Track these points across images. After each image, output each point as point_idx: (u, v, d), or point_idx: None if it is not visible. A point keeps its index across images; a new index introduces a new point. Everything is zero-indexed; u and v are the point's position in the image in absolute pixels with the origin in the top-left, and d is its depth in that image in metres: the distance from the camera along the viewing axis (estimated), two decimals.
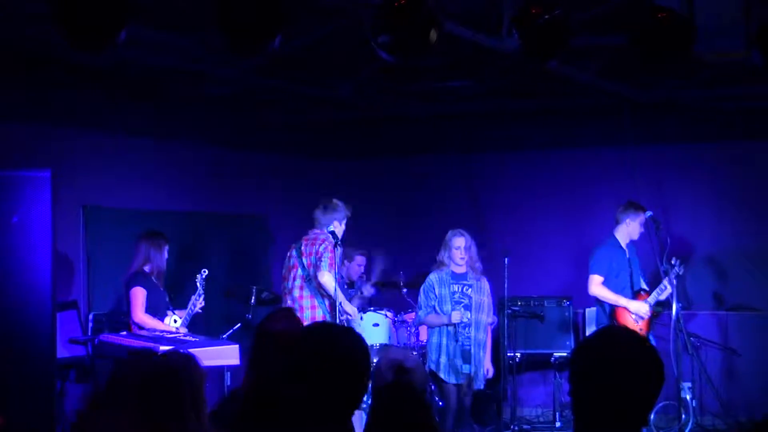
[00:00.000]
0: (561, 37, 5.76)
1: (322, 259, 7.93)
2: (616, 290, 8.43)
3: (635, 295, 8.49)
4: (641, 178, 9.94)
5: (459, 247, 7.97)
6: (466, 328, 7.92)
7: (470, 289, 8.00)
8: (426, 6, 5.36)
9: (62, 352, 7.74)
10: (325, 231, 8.02)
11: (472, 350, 7.92)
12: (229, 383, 7.25)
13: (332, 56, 7.91)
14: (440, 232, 8.32)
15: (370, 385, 3.29)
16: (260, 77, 8.32)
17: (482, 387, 8.13)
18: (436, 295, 7.96)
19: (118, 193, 9.03)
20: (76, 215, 8.66)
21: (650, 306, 8.43)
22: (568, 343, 9.35)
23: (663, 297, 8.46)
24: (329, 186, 11.03)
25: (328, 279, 7.86)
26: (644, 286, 8.60)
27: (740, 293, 9.71)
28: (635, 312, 8.35)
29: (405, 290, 9.34)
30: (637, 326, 8.26)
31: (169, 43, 7.04)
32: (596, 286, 8.42)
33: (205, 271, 7.93)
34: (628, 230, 8.52)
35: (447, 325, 7.90)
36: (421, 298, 8.08)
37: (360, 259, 9.44)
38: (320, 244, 8.01)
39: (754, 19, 6.14)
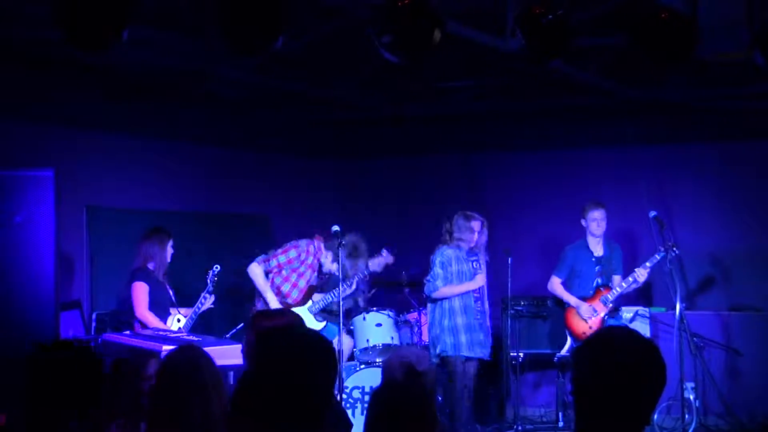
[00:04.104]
0: (564, 37, 5.76)
1: (268, 254, 8.03)
2: (578, 289, 8.59)
3: (595, 291, 8.52)
4: (642, 179, 9.95)
5: (476, 230, 8.18)
6: (478, 302, 8.15)
7: (477, 263, 8.27)
8: (429, 6, 5.37)
9: None
10: (322, 244, 8.02)
11: (485, 322, 8.25)
12: (232, 383, 7.24)
13: (332, 56, 7.92)
14: (440, 232, 8.37)
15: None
16: (260, 77, 8.32)
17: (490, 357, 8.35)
18: (452, 270, 8.11)
19: (121, 193, 9.04)
20: (79, 215, 8.67)
21: (605, 301, 8.44)
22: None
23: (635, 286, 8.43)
24: (329, 186, 11.05)
25: (252, 269, 7.97)
26: (609, 282, 8.55)
27: (743, 293, 9.71)
28: (577, 309, 8.52)
29: (407, 290, 9.34)
30: (587, 324, 8.45)
31: (170, 43, 7.05)
32: (551, 285, 8.72)
33: (217, 267, 7.91)
34: (588, 230, 8.57)
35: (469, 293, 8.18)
36: (437, 270, 8.17)
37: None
38: (290, 246, 8.11)
39: (756, 19, 6.14)
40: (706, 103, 9.37)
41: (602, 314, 8.47)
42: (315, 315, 8.13)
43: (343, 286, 8.00)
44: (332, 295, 8.08)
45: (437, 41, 5.36)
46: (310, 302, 8.10)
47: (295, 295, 8.06)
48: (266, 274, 8.01)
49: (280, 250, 8.02)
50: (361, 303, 9.30)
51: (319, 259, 8.03)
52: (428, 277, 8.28)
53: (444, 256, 8.21)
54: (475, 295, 8.23)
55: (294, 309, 7.87)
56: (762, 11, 6.10)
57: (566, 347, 8.88)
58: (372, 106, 9.94)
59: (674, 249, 8.31)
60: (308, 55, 7.57)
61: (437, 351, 8.12)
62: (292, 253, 7.96)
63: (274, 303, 7.88)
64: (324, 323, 8.19)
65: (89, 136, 8.84)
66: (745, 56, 6.13)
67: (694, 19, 6.00)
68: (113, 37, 5.07)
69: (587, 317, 8.48)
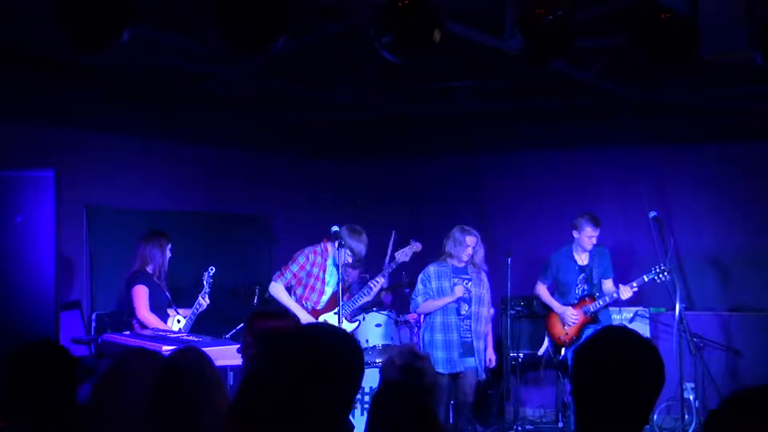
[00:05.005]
0: (564, 38, 5.75)
1: (281, 268, 7.99)
2: (563, 296, 8.64)
3: (580, 300, 8.56)
4: (641, 179, 9.96)
5: (469, 245, 8.08)
6: (466, 321, 8.05)
7: (470, 283, 8.13)
8: (429, 6, 5.37)
9: None
10: (327, 244, 7.98)
11: (474, 343, 8.03)
12: (232, 383, 7.24)
13: (333, 56, 7.91)
14: (440, 232, 8.36)
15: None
16: (261, 77, 8.32)
17: (484, 378, 8.19)
18: (432, 287, 8.04)
19: (121, 193, 9.05)
20: (79, 215, 8.68)
21: (587, 311, 8.50)
22: None
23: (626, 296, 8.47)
24: (329, 186, 11.06)
25: (273, 288, 7.93)
26: (594, 292, 8.58)
27: (743, 294, 9.72)
28: (561, 315, 8.57)
29: (407, 290, 9.34)
30: (564, 331, 8.53)
31: (171, 43, 7.04)
32: (538, 291, 8.79)
33: (212, 269, 7.94)
34: (578, 241, 8.58)
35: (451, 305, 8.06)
36: (418, 286, 8.16)
37: (351, 273, 9.33)
38: (298, 253, 8.04)
39: (756, 19, 6.13)
40: (705, 104, 9.37)
41: (581, 323, 8.51)
42: (346, 317, 8.07)
43: (364, 288, 8.05)
44: (360, 296, 8.05)
45: (437, 41, 5.36)
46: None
47: (317, 298, 7.99)
48: (288, 289, 7.98)
49: (290, 262, 8.00)
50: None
51: (326, 258, 8.00)
52: (412, 294, 8.29)
53: (426, 273, 8.17)
54: (463, 313, 8.12)
55: (325, 316, 7.87)
56: (762, 11, 6.09)
57: (543, 348, 8.91)
58: (372, 106, 9.94)
59: (665, 273, 8.33)
60: (308, 55, 7.57)
61: None
62: (301, 259, 7.94)
63: (302, 314, 7.76)
64: (357, 323, 8.16)
65: (89, 136, 8.84)
66: (745, 56, 6.13)
67: (694, 19, 5.99)
68: (113, 37, 5.07)
69: (571, 323, 8.52)
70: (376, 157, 11.37)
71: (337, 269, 7.81)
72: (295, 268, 7.91)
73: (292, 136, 10.73)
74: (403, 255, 8.19)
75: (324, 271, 7.96)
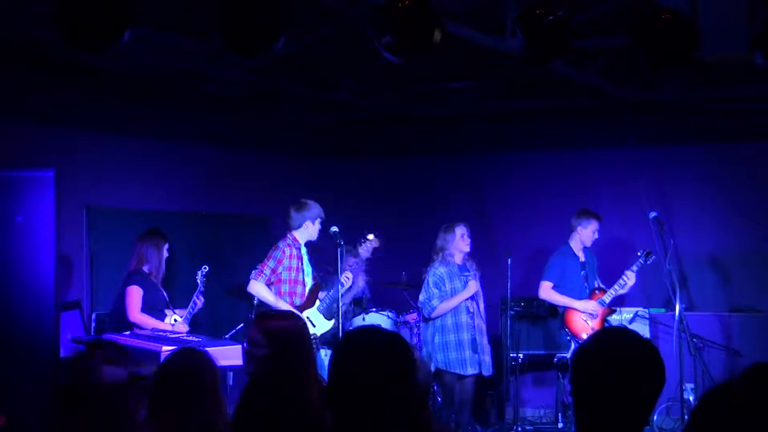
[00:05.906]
0: (564, 38, 5.76)
1: (257, 266, 7.90)
2: (570, 293, 8.64)
3: (590, 294, 8.65)
4: (641, 179, 9.96)
5: (463, 235, 8.11)
6: (474, 318, 8.07)
7: (472, 278, 8.17)
8: (429, 7, 5.37)
9: (65, 351, 7.74)
10: (293, 233, 7.98)
11: (478, 339, 8.06)
12: (231, 383, 7.25)
13: (332, 56, 7.91)
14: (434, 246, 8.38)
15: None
16: (260, 77, 8.32)
17: (492, 372, 8.22)
18: (446, 289, 8.04)
19: (121, 193, 9.05)
20: (79, 215, 8.68)
21: (603, 303, 8.57)
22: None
23: (624, 290, 8.62)
24: (329, 186, 11.05)
25: (254, 288, 7.86)
26: (601, 285, 8.77)
27: (743, 294, 9.72)
28: (583, 311, 8.57)
29: (406, 291, 9.34)
30: (589, 326, 8.53)
31: (171, 43, 7.04)
32: (544, 291, 8.72)
33: (205, 268, 7.97)
34: (581, 237, 8.65)
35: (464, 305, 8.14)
36: (432, 290, 8.14)
37: (351, 261, 9.36)
38: (271, 250, 7.97)
39: (756, 20, 6.13)
40: (705, 104, 9.36)
41: (603, 314, 8.55)
42: (323, 313, 8.08)
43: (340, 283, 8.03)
44: (336, 291, 8.05)
45: (437, 41, 5.36)
46: (317, 302, 8.06)
47: (301, 291, 8.00)
48: (269, 286, 7.95)
49: (266, 259, 7.97)
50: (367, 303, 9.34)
51: (299, 248, 8.01)
52: (423, 299, 8.25)
53: (436, 275, 8.17)
54: (471, 310, 8.13)
55: (306, 312, 7.86)
56: (763, 12, 6.08)
57: (570, 351, 8.85)
58: (372, 106, 9.93)
59: (649, 255, 8.53)
60: (308, 55, 7.57)
61: (432, 368, 8.05)
62: (277, 254, 7.92)
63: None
64: (333, 321, 8.17)
65: (89, 136, 8.84)
66: (745, 57, 6.12)
67: (694, 19, 5.99)
68: (114, 38, 5.07)
69: (593, 312, 8.53)
70: (377, 157, 11.36)
71: (310, 258, 7.98)
72: (272, 264, 7.89)
73: (292, 136, 10.72)
74: (366, 251, 8.25)
75: (301, 261, 7.96)
